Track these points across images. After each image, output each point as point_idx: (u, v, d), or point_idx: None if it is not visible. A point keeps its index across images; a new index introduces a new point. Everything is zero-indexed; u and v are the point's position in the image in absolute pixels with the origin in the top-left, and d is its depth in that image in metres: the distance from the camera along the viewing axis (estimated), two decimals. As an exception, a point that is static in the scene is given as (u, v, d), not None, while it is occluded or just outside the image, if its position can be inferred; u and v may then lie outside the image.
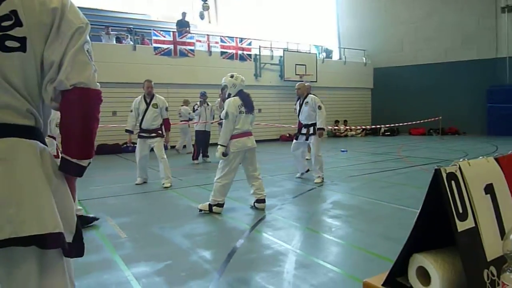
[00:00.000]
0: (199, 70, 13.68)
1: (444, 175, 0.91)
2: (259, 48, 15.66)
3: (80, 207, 4.55)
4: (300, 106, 6.91)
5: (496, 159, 1.07)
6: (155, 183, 6.70)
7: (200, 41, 14.27)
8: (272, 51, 16.24)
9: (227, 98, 4.90)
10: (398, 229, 3.88)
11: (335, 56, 19.42)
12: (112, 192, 6.15)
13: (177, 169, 8.05)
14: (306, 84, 7.24)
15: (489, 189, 1.00)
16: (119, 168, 8.79)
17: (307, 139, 6.80)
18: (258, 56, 15.51)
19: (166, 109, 6.71)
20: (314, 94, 7.01)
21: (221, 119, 5.51)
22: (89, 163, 1.34)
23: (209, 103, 9.76)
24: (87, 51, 1.28)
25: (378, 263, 3.12)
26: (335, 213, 4.77)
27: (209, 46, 14.43)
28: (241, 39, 15.12)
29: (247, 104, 4.83)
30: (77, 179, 1.37)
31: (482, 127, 15.77)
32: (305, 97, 6.85)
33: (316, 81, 16.10)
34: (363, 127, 17.16)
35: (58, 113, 1.28)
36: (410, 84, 17.58)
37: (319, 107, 6.65)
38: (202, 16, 17.72)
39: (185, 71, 13.33)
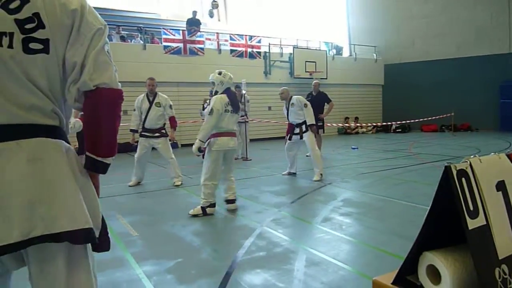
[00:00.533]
0: (209, 68, 13.52)
1: (455, 172, 0.90)
2: (269, 46, 15.57)
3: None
4: (287, 109, 7.15)
5: (508, 156, 1.06)
6: (166, 181, 6.73)
7: (209, 39, 14.24)
8: (281, 48, 16.13)
9: (214, 95, 4.81)
10: (410, 227, 3.85)
11: (345, 53, 19.26)
12: (122, 191, 6.21)
13: (188, 167, 8.08)
14: (287, 89, 7.59)
15: (501, 186, 0.99)
16: (130, 166, 8.83)
17: (301, 138, 6.93)
18: (267, 54, 15.44)
19: (170, 106, 6.61)
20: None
21: None
22: (113, 159, 1.38)
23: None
24: (107, 51, 1.31)
25: (390, 261, 3.10)
26: (346, 210, 4.75)
27: (218, 44, 14.41)
28: (251, 37, 15.08)
29: (234, 103, 4.76)
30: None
31: (495, 123, 15.55)
32: (290, 99, 7.10)
33: (326, 78, 16.00)
34: (374, 124, 17.03)
35: None
36: (421, 80, 17.35)
37: (305, 105, 6.91)
38: (211, 14, 17.76)
39: (195, 69, 13.34)
